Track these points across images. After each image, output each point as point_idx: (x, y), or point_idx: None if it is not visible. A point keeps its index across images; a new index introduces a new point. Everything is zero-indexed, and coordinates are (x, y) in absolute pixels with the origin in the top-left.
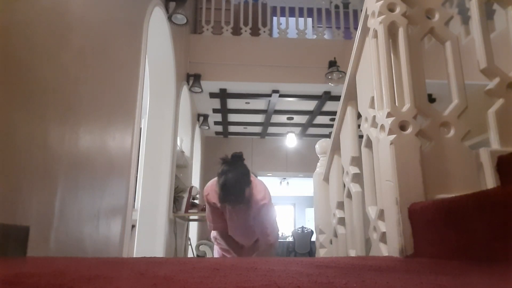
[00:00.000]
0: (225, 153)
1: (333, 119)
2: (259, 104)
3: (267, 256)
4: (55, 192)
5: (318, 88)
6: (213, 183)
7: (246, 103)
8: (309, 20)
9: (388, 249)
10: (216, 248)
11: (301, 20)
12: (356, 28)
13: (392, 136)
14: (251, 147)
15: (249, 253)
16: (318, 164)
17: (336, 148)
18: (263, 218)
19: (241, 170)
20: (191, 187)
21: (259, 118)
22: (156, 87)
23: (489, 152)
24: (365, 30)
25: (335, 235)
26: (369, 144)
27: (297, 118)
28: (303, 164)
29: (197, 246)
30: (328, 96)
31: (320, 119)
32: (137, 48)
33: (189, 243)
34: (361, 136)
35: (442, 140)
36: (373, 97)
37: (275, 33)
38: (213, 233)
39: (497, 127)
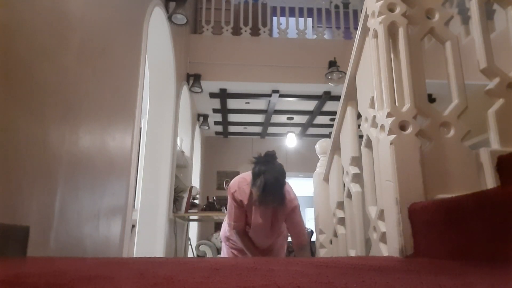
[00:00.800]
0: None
1: (333, 119)
2: (259, 104)
3: (306, 256)
4: (55, 192)
5: (318, 88)
6: (240, 180)
7: (246, 103)
8: (309, 20)
9: (388, 249)
10: (225, 247)
11: (301, 20)
12: (356, 28)
13: (392, 136)
14: (251, 147)
15: (263, 255)
16: (318, 164)
17: (336, 148)
18: (297, 218)
19: (279, 170)
20: (191, 187)
21: (259, 118)
22: (156, 87)
23: (489, 152)
24: (365, 30)
25: (335, 235)
26: (369, 144)
27: (297, 118)
28: (303, 164)
29: (197, 246)
30: (328, 96)
31: (320, 119)
32: (137, 48)
33: (189, 243)
34: (361, 136)
35: (442, 140)
36: (373, 97)
37: (275, 33)
38: (226, 232)
39: (497, 127)
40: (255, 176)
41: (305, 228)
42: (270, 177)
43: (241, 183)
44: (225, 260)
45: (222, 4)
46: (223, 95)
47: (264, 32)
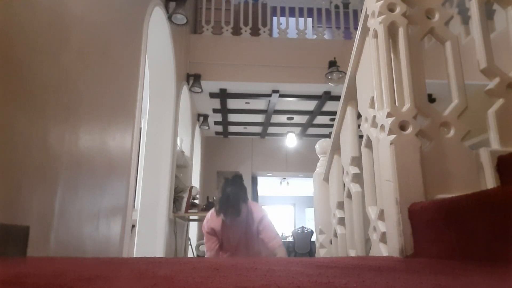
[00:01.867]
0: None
1: (333, 119)
2: (259, 104)
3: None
4: (55, 192)
5: (318, 88)
6: (213, 211)
7: (246, 103)
8: (309, 20)
9: (388, 249)
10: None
11: (301, 20)
12: (356, 28)
13: (392, 136)
14: (251, 147)
15: None
16: (318, 164)
17: (336, 148)
18: (267, 223)
19: (239, 187)
20: (191, 187)
21: (259, 118)
22: (156, 87)
23: (489, 152)
24: (365, 30)
25: (335, 235)
26: (369, 144)
27: (297, 118)
28: (303, 164)
29: (197, 246)
30: (328, 96)
31: (320, 119)
32: (137, 48)
33: (189, 243)
34: (361, 136)
35: (442, 140)
36: (373, 97)
37: (275, 33)
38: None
39: (497, 127)
40: (219, 193)
41: (276, 232)
42: (229, 191)
43: (214, 213)
44: (225, 260)
45: (222, 4)
46: (223, 95)
47: (264, 32)
